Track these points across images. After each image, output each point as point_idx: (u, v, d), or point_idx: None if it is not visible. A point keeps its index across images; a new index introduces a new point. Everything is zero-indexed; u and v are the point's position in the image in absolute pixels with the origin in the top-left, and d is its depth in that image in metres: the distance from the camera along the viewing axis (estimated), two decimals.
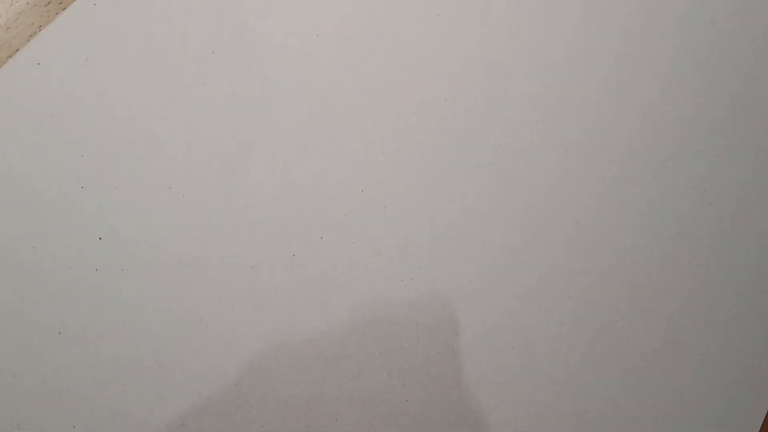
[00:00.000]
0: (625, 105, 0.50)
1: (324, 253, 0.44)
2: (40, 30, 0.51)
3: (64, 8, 0.49)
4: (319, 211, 0.45)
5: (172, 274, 0.42)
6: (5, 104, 0.44)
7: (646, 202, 0.47)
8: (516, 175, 0.47)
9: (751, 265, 0.47)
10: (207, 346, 0.41)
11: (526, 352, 0.43)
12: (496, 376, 0.43)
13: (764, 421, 0.44)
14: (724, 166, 0.49)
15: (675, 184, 0.48)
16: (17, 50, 0.50)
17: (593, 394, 0.43)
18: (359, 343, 0.42)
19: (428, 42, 0.50)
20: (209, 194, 0.44)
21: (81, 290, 0.41)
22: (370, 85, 0.48)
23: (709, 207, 0.48)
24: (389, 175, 0.46)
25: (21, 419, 0.39)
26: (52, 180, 0.43)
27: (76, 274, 0.42)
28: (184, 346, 0.41)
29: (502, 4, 0.52)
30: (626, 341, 0.44)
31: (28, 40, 0.51)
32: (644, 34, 0.52)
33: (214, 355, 0.41)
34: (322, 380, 0.41)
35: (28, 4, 0.51)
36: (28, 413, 0.39)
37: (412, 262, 0.44)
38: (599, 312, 0.45)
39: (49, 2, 0.52)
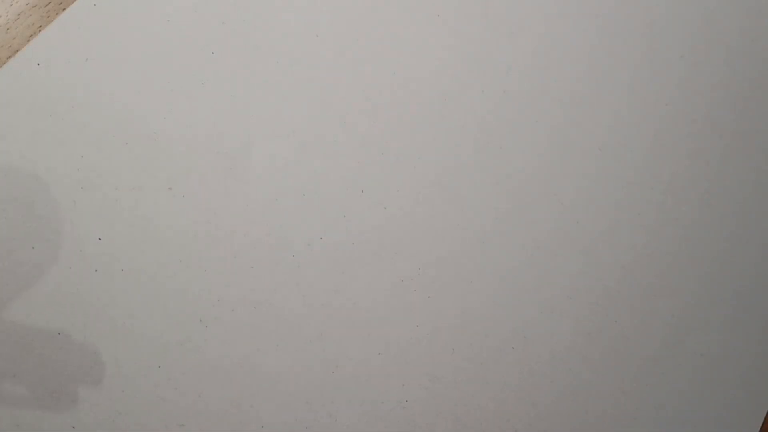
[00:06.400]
0: (625, 105, 0.50)
1: (324, 253, 0.44)
2: (40, 30, 0.51)
3: (64, 8, 0.49)
4: (319, 211, 0.45)
5: (172, 274, 0.42)
6: (5, 104, 0.44)
7: (646, 202, 0.47)
8: (516, 175, 0.47)
9: (751, 266, 0.46)
10: (207, 346, 0.41)
11: (526, 352, 0.43)
12: (496, 376, 0.43)
13: (764, 421, 0.44)
14: (725, 167, 0.49)
15: (675, 185, 0.48)
16: (17, 50, 0.50)
17: (593, 394, 0.43)
18: (359, 343, 0.42)
19: (428, 42, 0.50)
20: (209, 194, 0.44)
21: (81, 290, 0.41)
22: (370, 85, 0.48)
23: (709, 207, 0.48)
24: (389, 175, 0.46)
25: (20, 419, 0.39)
26: (52, 180, 0.43)
27: (76, 274, 0.42)
28: (184, 346, 0.41)
29: (502, 4, 0.52)
30: (626, 341, 0.44)
31: (28, 41, 0.51)
32: (644, 35, 0.52)
33: (214, 355, 0.41)
34: (322, 380, 0.41)
35: (28, 4, 0.51)
36: (27, 413, 0.39)
37: (412, 262, 0.44)
38: (599, 312, 0.44)
39: (49, 2, 0.52)
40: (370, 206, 0.45)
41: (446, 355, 0.43)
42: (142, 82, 0.46)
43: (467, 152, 0.47)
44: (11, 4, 0.49)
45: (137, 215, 0.43)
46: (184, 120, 0.46)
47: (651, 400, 0.43)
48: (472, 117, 0.48)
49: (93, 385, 0.40)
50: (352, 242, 0.44)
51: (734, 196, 0.48)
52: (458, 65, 0.50)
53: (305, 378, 0.41)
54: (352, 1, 0.50)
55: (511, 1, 0.52)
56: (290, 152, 0.46)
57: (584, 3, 0.52)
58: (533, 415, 0.42)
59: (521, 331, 0.44)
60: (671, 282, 0.46)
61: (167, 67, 0.47)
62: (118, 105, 0.45)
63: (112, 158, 0.44)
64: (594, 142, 0.48)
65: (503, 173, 0.47)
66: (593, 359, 0.44)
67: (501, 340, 0.43)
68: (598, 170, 0.48)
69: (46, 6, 0.52)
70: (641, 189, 0.48)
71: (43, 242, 0.42)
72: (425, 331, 0.43)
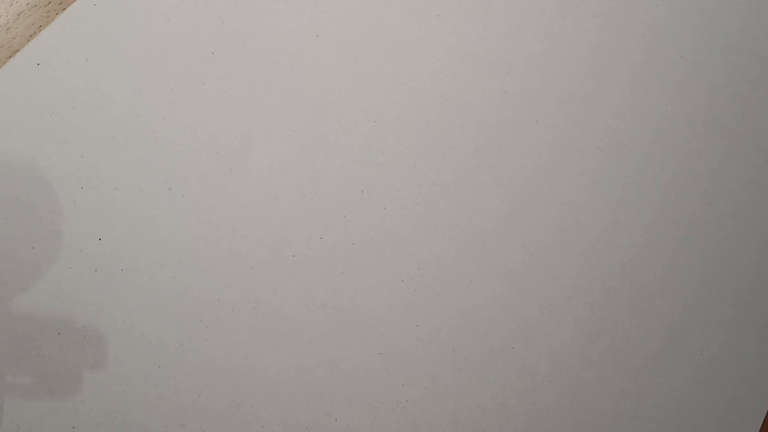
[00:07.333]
0: (624, 105, 0.50)
1: (324, 253, 0.44)
2: (40, 30, 0.51)
3: (64, 8, 0.49)
4: (319, 211, 0.45)
5: (172, 274, 0.42)
6: (5, 104, 0.44)
7: (646, 202, 0.47)
8: (516, 175, 0.47)
9: (751, 265, 0.46)
10: (207, 346, 0.41)
11: (526, 352, 0.43)
12: (496, 376, 0.43)
13: (764, 421, 0.43)
14: (725, 166, 0.49)
15: (675, 184, 0.48)
16: (17, 50, 0.50)
17: (593, 394, 0.43)
18: (359, 343, 0.42)
19: (428, 42, 0.50)
20: (209, 194, 0.44)
21: (81, 290, 0.41)
22: (370, 85, 0.48)
23: (709, 207, 0.48)
24: (389, 175, 0.46)
25: (21, 419, 0.39)
26: (52, 180, 0.43)
27: (76, 274, 0.42)
28: (184, 346, 0.41)
29: (502, 4, 0.52)
30: (626, 341, 0.44)
31: (29, 41, 0.51)
32: (644, 35, 0.52)
33: (214, 355, 0.41)
34: (322, 380, 0.41)
35: (28, 4, 0.51)
36: (28, 413, 0.39)
37: (412, 262, 0.44)
38: (599, 312, 0.44)
39: (49, 2, 0.52)
40: (370, 206, 0.45)
41: (446, 355, 0.43)
42: (142, 82, 0.46)
43: (467, 152, 0.47)
44: (11, 4, 0.49)
45: (137, 215, 0.43)
46: (184, 120, 0.46)
47: (651, 400, 0.43)
48: (472, 117, 0.48)
49: (93, 385, 0.40)
50: (352, 242, 0.44)
51: (734, 196, 0.48)
52: (458, 65, 0.50)
53: (305, 378, 0.41)
54: (352, 1, 0.50)
55: (511, 1, 0.52)
56: (290, 152, 0.46)
57: (584, 3, 0.52)
58: (533, 415, 0.42)
59: (521, 331, 0.44)
60: (671, 282, 0.46)
61: (167, 67, 0.47)
62: (118, 105, 0.45)
63: (112, 158, 0.44)
64: (594, 142, 0.48)
65: (503, 173, 0.47)
66: (593, 359, 0.44)
67: (501, 340, 0.43)
68: (598, 170, 0.48)
69: (46, 6, 0.52)
70: (641, 189, 0.48)
71: (43, 242, 0.42)
72: (425, 331, 0.43)
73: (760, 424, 0.44)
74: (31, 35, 0.52)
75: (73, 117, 0.45)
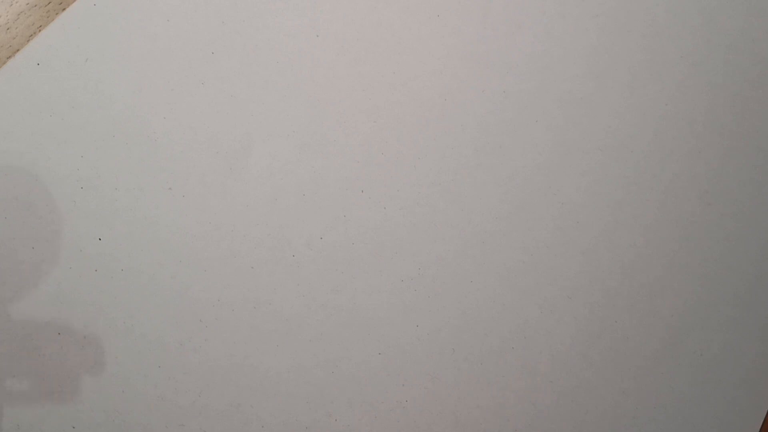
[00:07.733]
0: (624, 105, 0.50)
1: (324, 253, 0.44)
2: (40, 30, 0.51)
3: (64, 8, 0.49)
4: (319, 211, 0.45)
5: (172, 274, 0.42)
6: (5, 104, 0.44)
7: (646, 202, 0.47)
8: (516, 175, 0.47)
9: (751, 265, 0.46)
10: (207, 346, 0.41)
11: (526, 352, 0.43)
12: (496, 376, 0.43)
13: (764, 421, 0.43)
14: (725, 166, 0.49)
15: (675, 184, 0.48)
16: (17, 50, 0.50)
17: (593, 394, 0.43)
18: (359, 343, 0.42)
19: (428, 42, 0.50)
20: (209, 194, 0.44)
21: (81, 290, 0.41)
22: (370, 85, 0.48)
23: (709, 207, 0.48)
24: (389, 175, 0.46)
25: (20, 419, 0.39)
26: (52, 180, 0.43)
27: (76, 274, 0.42)
28: (184, 346, 0.41)
29: (502, 4, 0.52)
30: (626, 341, 0.44)
31: (29, 41, 0.51)
32: (644, 35, 0.52)
33: (214, 355, 0.41)
34: (322, 380, 0.41)
35: (28, 4, 0.51)
36: (27, 413, 0.39)
37: (412, 262, 0.44)
38: (599, 312, 0.44)
39: (49, 2, 0.52)
40: (370, 206, 0.45)
41: (446, 355, 0.43)
42: (142, 82, 0.46)
43: (467, 152, 0.47)
44: (11, 4, 0.49)
45: (137, 215, 0.43)
46: (184, 120, 0.46)
47: (651, 400, 0.43)
48: (472, 117, 0.48)
49: (93, 385, 0.40)
50: (352, 242, 0.44)
51: (734, 196, 0.48)
52: (458, 65, 0.50)
53: (305, 378, 0.41)
54: (352, 1, 0.50)
55: (511, 1, 0.52)
56: (290, 152, 0.46)
57: (584, 3, 0.52)
58: (533, 415, 0.42)
59: (521, 331, 0.44)
60: (671, 282, 0.46)
61: (167, 67, 0.47)
62: (118, 105, 0.45)
63: (112, 158, 0.44)
64: (594, 142, 0.48)
65: (503, 173, 0.47)
66: (593, 359, 0.44)
67: (501, 340, 0.43)
68: (598, 170, 0.48)
69: (46, 6, 0.52)
70: (641, 189, 0.48)
71: (43, 242, 0.42)
72: (425, 331, 0.43)
73: (760, 424, 0.44)
74: (31, 35, 0.52)
75: (73, 117, 0.45)
